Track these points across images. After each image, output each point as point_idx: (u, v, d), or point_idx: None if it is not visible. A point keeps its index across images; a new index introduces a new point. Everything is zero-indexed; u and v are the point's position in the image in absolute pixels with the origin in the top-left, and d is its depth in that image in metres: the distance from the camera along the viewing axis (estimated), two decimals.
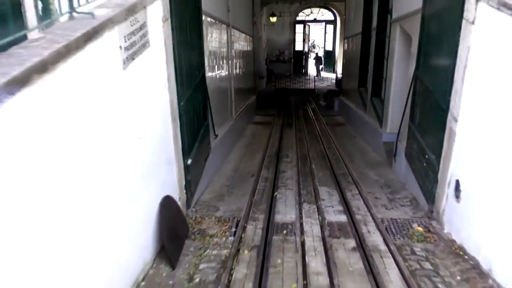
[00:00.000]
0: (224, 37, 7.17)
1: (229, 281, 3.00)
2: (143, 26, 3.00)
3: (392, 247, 3.45)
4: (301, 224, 4.03)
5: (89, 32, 2.23)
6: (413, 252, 3.41)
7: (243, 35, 9.85)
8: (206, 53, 5.37)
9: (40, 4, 2.93)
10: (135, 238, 2.92)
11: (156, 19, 3.31)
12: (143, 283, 2.95)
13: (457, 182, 3.51)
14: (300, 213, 4.33)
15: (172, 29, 3.62)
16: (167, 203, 3.47)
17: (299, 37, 23.26)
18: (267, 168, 6.30)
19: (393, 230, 3.85)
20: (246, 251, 3.46)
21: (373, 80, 7.80)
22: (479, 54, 3.20)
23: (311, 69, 22.99)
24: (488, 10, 3.03)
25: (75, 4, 2.49)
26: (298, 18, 22.84)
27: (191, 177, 4.24)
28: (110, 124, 2.52)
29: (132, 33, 2.81)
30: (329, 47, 23.21)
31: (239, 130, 8.61)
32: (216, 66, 6.43)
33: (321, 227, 3.96)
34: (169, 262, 3.22)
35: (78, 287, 2.12)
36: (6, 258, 1.58)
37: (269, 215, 4.29)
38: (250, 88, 11.46)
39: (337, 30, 21.80)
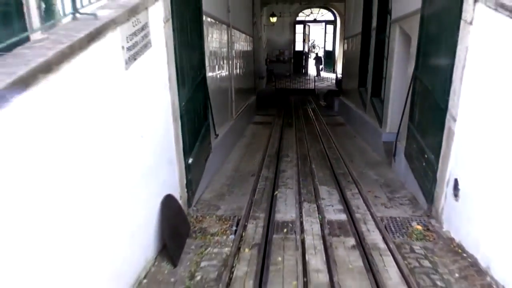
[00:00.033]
0: (225, 37, 7.21)
1: (230, 279, 3.04)
2: (144, 26, 3.04)
3: (391, 245, 3.48)
4: (301, 223, 4.06)
5: (92, 32, 2.26)
6: (412, 250, 3.45)
7: (243, 35, 9.88)
8: (207, 54, 5.41)
9: (42, 5, 2.98)
10: (137, 236, 2.95)
11: (158, 19, 3.34)
12: (145, 280, 2.99)
13: (456, 181, 3.54)
14: (300, 212, 4.36)
15: (173, 30, 3.66)
16: (168, 201, 3.50)
17: (299, 37, 23.31)
18: (267, 168, 6.33)
19: (393, 229, 3.89)
20: (246, 249, 3.49)
21: (372, 80, 7.84)
22: (477, 54, 3.24)
23: (311, 69, 23.03)
24: (485, 11, 3.06)
25: (78, 5, 2.52)
26: (298, 18, 22.88)
27: (192, 176, 4.28)
28: (113, 123, 2.55)
29: (134, 34, 2.85)
30: (329, 47, 23.26)
31: (239, 130, 8.64)
32: (217, 66, 6.46)
33: (321, 225, 3.99)
34: (170, 260, 3.25)
35: (83, 281, 2.16)
36: (16, 252, 1.62)
37: (270, 214, 4.32)
38: (250, 88, 11.49)
39: (337, 30, 21.84)
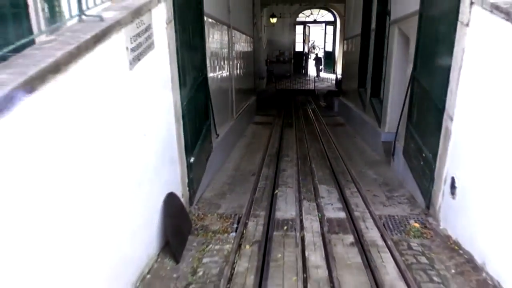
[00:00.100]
0: (225, 38, 7.28)
1: (232, 274, 3.11)
2: (148, 28, 3.11)
3: (389, 242, 3.55)
4: (301, 221, 4.13)
5: (98, 34, 2.33)
6: (409, 247, 3.51)
7: (244, 36, 9.95)
8: (208, 54, 5.48)
9: (46, 7, 3.05)
10: (140, 233, 3.02)
11: (160, 21, 3.41)
12: (148, 276, 3.05)
13: (453, 179, 3.61)
14: (300, 210, 4.43)
15: (176, 31, 3.73)
16: (170, 199, 3.57)
17: (299, 38, 23.39)
18: (268, 167, 6.40)
19: (391, 226, 3.95)
20: (247, 246, 3.56)
21: (372, 81, 7.90)
22: (474, 55, 3.30)
23: (311, 70, 23.09)
24: (481, 13, 3.13)
25: (83, 7, 2.59)
26: (298, 19, 22.97)
27: (194, 175, 4.35)
28: (117, 122, 2.62)
29: (138, 35, 2.92)
30: (329, 48, 23.32)
31: (239, 130, 8.71)
32: (218, 67, 6.53)
33: (321, 223, 4.06)
34: (173, 257, 3.32)
35: (88, 276, 2.23)
36: (20, 249, 1.69)
37: (270, 212, 4.39)
38: (251, 88, 11.56)
39: (337, 31, 21.91)
